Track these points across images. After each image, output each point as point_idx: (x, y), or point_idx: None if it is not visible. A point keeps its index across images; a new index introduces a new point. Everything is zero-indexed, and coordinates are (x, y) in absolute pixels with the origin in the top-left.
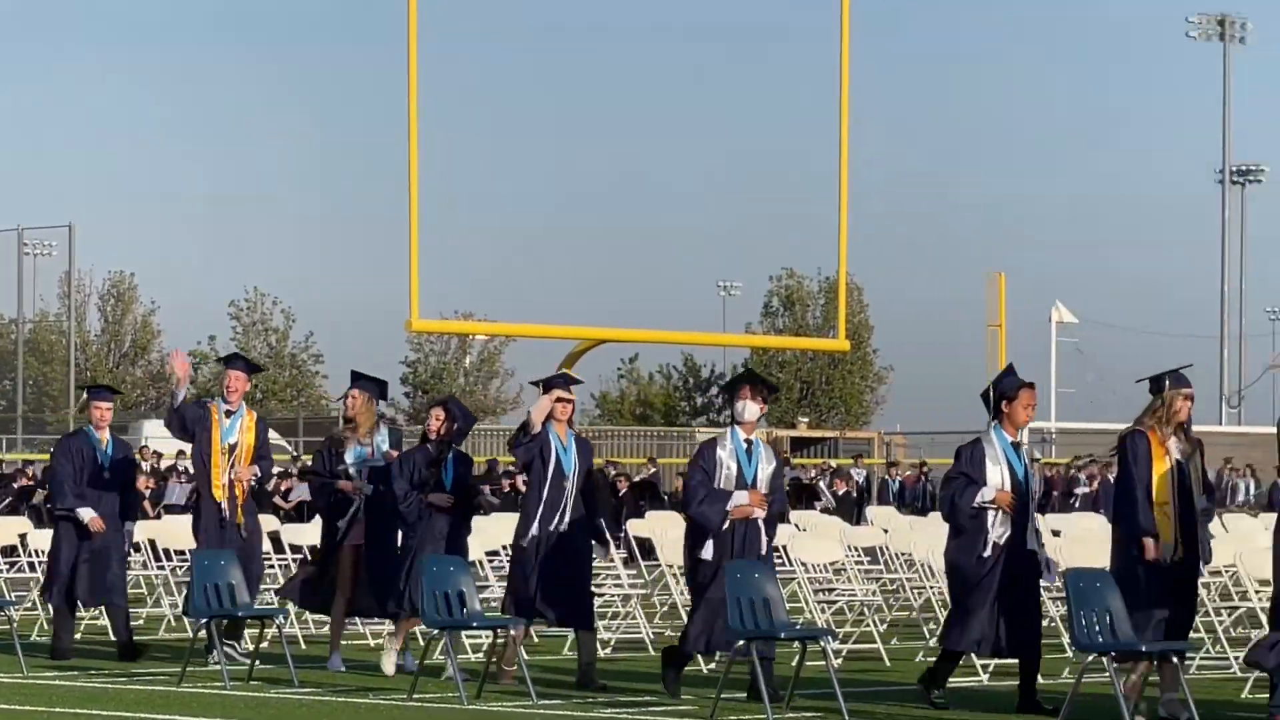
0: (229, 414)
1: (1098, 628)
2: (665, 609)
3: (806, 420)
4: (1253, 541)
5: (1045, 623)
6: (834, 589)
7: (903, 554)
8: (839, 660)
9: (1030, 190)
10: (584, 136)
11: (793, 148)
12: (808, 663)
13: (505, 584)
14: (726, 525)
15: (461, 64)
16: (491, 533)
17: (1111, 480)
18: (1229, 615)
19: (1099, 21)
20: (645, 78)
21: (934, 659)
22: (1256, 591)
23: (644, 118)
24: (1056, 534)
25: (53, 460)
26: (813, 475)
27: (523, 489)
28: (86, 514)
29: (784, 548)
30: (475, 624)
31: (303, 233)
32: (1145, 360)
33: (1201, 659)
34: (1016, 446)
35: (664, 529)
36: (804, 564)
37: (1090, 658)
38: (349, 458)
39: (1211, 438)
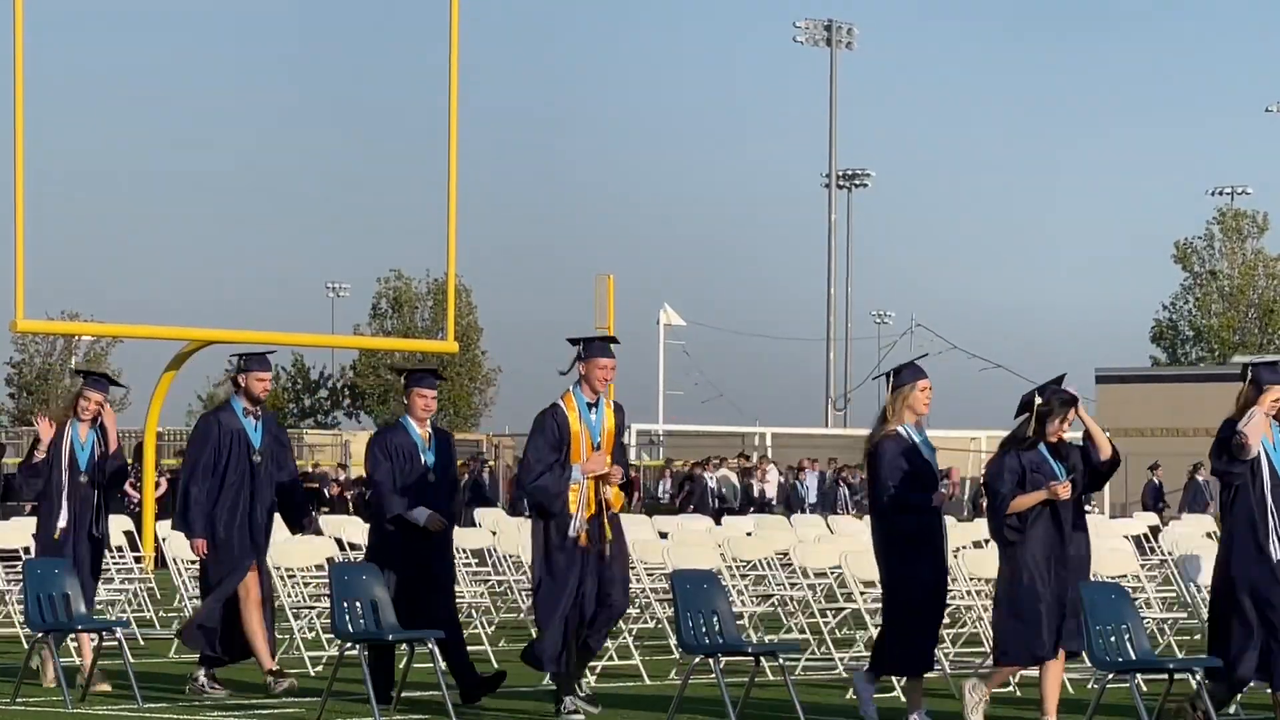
0: None
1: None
2: None
3: None
4: (858, 542)
5: (651, 623)
6: None
7: (510, 556)
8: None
9: (639, 192)
10: (193, 133)
11: (401, 149)
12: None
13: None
14: None
15: (75, 58)
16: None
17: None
18: (834, 616)
19: (707, 24)
20: (253, 72)
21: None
22: (862, 593)
23: (251, 114)
24: (664, 535)
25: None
26: None
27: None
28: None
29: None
30: (80, 627)
31: None
32: (752, 362)
33: (807, 660)
34: None
35: None
36: None
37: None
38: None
39: (818, 440)
